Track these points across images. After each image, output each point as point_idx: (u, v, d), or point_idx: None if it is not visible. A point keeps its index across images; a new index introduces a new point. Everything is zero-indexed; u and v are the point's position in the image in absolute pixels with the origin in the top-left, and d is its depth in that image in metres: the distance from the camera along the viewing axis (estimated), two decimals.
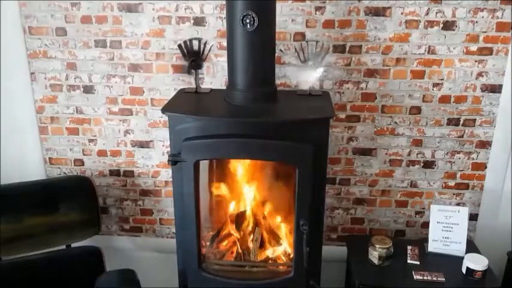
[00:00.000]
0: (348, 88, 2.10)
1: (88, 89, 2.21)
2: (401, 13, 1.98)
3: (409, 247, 2.07)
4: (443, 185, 2.23)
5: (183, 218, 1.86)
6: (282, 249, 2.03)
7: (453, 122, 2.12)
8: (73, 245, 2.09)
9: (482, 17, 1.96)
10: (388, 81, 2.08)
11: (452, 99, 2.09)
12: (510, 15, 1.94)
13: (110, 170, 2.35)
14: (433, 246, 2.04)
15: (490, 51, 2.00)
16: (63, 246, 2.07)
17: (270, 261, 2.01)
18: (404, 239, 2.29)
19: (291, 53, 2.05)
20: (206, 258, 1.99)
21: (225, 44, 1.90)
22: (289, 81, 2.11)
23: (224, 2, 1.78)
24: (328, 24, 2.01)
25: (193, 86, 1.99)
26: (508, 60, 2.00)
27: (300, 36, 2.04)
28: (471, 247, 2.06)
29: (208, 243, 2.04)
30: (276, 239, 2.04)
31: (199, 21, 2.05)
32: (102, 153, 2.32)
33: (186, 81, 2.14)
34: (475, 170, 2.19)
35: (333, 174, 2.24)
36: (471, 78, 2.05)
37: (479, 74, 2.04)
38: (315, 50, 1.89)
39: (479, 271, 1.87)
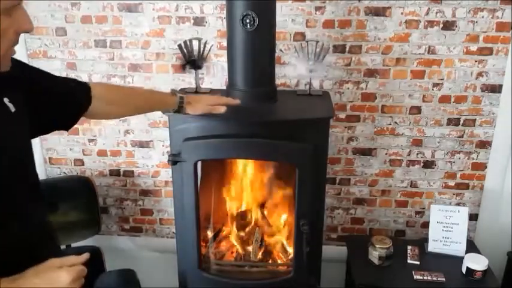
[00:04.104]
0: (348, 88, 2.10)
1: None
2: (401, 13, 1.97)
3: (409, 247, 2.07)
4: (443, 185, 2.23)
5: (183, 218, 1.87)
6: (282, 249, 2.03)
7: (453, 122, 2.12)
8: (73, 245, 2.09)
9: (482, 17, 1.96)
10: (388, 81, 2.08)
11: (452, 99, 2.09)
12: (510, 15, 1.94)
13: (109, 170, 2.35)
14: (433, 246, 2.04)
15: (490, 51, 2.00)
16: (63, 246, 2.07)
17: (270, 261, 2.01)
18: (404, 239, 2.29)
19: (291, 53, 2.05)
20: (206, 258, 1.99)
21: (225, 44, 1.90)
22: (289, 81, 2.11)
23: (224, 2, 1.78)
24: (328, 24, 2.01)
25: (193, 86, 1.99)
26: (508, 60, 2.00)
27: (300, 36, 2.04)
28: (471, 247, 2.05)
29: (208, 243, 2.04)
30: (275, 238, 2.04)
31: (199, 21, 2.05)
32: (102, 153, 2.32)
33: (186, 81, 2.14)
34: (475, 170, 2.19)
35: (333, 174, 2.24)
36: (471, 78, 2.05)
37: (479, 74, 2.04)
38: (315, 50, 1.89)
39: (479, 271, 1.87)
